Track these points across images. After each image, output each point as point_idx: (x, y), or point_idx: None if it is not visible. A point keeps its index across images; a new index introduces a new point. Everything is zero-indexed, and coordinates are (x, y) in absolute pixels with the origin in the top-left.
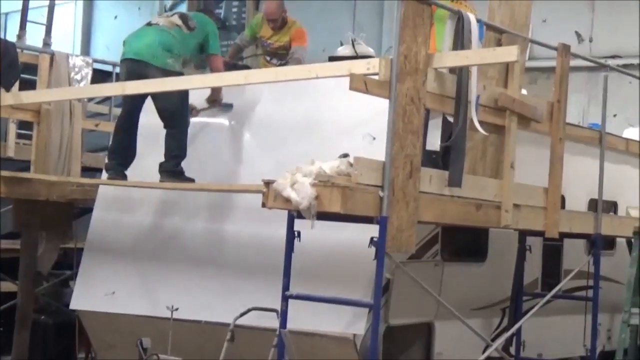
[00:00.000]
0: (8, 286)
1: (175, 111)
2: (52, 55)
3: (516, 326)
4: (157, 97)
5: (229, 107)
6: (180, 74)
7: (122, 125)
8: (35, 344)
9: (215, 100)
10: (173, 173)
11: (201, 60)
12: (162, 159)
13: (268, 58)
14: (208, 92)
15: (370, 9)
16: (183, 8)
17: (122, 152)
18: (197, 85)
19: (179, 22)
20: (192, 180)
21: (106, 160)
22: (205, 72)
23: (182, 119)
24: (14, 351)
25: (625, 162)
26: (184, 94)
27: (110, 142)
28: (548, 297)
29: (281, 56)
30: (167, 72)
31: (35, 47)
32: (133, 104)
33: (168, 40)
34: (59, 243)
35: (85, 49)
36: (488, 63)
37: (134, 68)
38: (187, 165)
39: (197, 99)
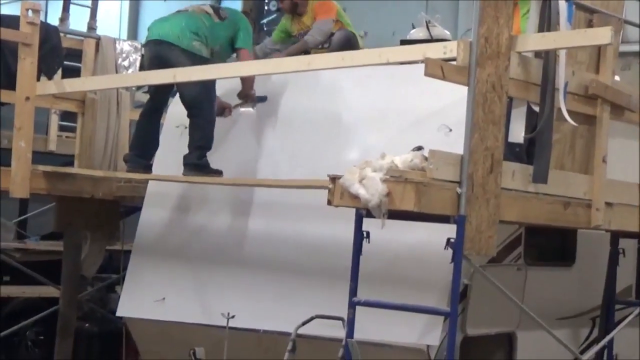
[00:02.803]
0: (49, 291)
1: (200, 98)
2: (98, 40)
3: (607, 338)
4: (180, 83)
5: (263, 99)
6: (206, 59)
7: (144, 112)
8: (79, 354)
9: (248, 95)
10: (197, 166)
11: (229, 57)
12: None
13: None
14: (239, 88)
15: None
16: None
17: (142, 143)
18: (255, 71)
19: (210, 10)
20: (219, 173)
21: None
22: None
23: (208, 107)
24: None
25: None
26: (210, 81)
27: (134, 131)
28: None
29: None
30: (192, 56)
31: (80, 32)
32: (157, 90)
33: (195, 23)
34: (104, 244)
35: (133, 33)
36: (578, 46)
37: (157, 50)
38: (241, 160)
39: (227, 95)
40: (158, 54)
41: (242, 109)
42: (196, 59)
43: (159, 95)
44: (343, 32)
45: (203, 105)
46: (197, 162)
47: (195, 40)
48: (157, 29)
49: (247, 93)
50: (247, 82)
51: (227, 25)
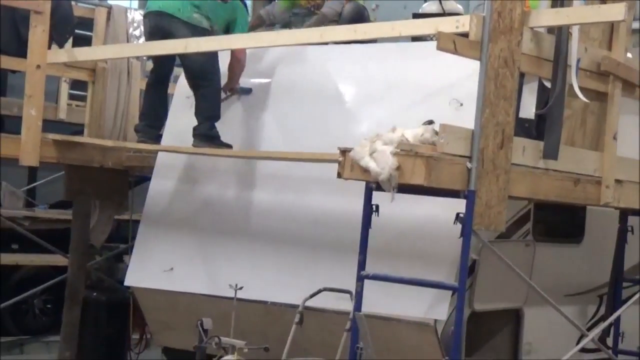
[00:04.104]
0: (58, 259)
1: (206, 69)
2: (109, 9)
3: (615, 315)
4: (185, 55)
5: (247, 91)
6: (207, 31)
7: (151, 82)
8: (86, 323)
9: (234, 88)
10: (208, 137)
11: None
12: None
13: None
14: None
15: None
16: None
17: (151, 113)
18: (268, 43)
19: None
20: (229, 146)
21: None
22: None
23: (214, 77)
24: (63, 330)
25: None
26: (213, 52)
27: (142, 102)
28: None
29: None
30: (193, 27)
31: (92, 0)
32: (161, 61)
33: None
34: (113, 214)
35: (144, 3)
36: (591, 22)
37: (157, 22)
38: (254, 133)
39: None
40: (158, 25)
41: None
42: (197, 31)
43: (162, 67)
44: (354, 5)
45: (209, 75)
46: (208, 133)
47: (195, 12)
48: (157, 0)
49: (232, 87)
50: (234, 76)
51: (227, 8)
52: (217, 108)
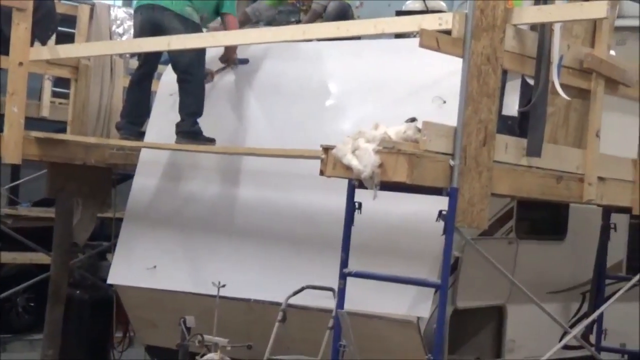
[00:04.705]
0: (41, 257)
1: (193, 64)
2: (92, 6)
3: (597, 312)
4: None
5: (245, 62)
6: (198, 25)
7: (136, 79)
8: (69, 321)
9: (230, 58)
10: (190, 133)
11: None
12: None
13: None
14: (220, 54)
15: None
16: None
17: (134, 110)
18: (252, 40)
19: None
20: (212, 141)
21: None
22: None
23: (199, 73)
24: (46, 328)
25: None
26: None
27: (125, 98)
28: (634, 281)
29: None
30: (185, 20)
31: None
32: (147, 57)
33: None
34: (96, 212)
35: (128, 0)
36: (573, 19)
37: (150, 15)
38: (238, 130)
39: (209, 60)
40: (151, 18)
41: (221, 73)
42: (188, 24)
43: (149, 63)
44: (338, 2)
45: (195, 70)
46: (190, 130)
47: (187, 5)
48: None
49: (230, 57)
50: (230, 46)
51: None
52: (200, 104)
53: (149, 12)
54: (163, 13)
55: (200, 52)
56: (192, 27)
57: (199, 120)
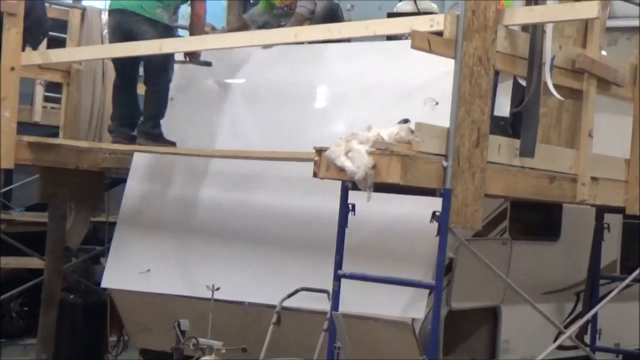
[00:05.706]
0: (34, 262)
1: (159, 66)
2: (84, 11)
3: (592, 312)
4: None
5: (207, 64)
6: (169, 27)
7: (118, 84)
8: (63, 325)
9: (194, 54)
10: (150, 135)
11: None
12: None
13: None
14: None
15: None
16: None
17: (123, 113)
18: (243, 43)
19: None
20: (172, 144)
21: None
22: None
23: (165, 76)
24: (39, 333)
25: None
26: None
27: (112, 104)
28: (627, 281)
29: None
30: (154, 23)
31: (65, 2)
32: (123, 62)
33: None
34: (89, 216)
35: None
36: (565, 20)
37: (120, 19)
38: (231, 133)
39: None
40: (121, 23)
41: (180, 65)
42: (159, 27)
43: (127, 67)
44: (326, 2)
45: (163, 73)
46: (151, 131)
47: (158, 7)
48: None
49: (193, 53)
50: (196, 34)
51: None
52: (163, 107)
53: (119, 17)
54: (132, 18)
55: (169, 57)
56: (163, 30)
57: (161, 121)
